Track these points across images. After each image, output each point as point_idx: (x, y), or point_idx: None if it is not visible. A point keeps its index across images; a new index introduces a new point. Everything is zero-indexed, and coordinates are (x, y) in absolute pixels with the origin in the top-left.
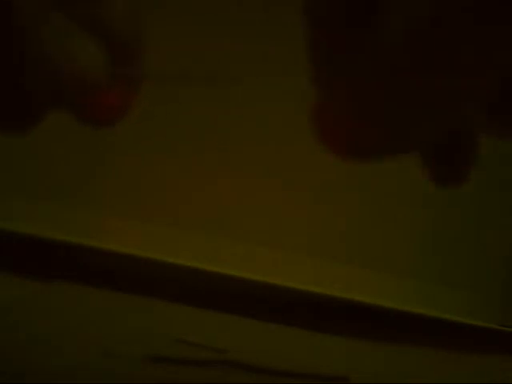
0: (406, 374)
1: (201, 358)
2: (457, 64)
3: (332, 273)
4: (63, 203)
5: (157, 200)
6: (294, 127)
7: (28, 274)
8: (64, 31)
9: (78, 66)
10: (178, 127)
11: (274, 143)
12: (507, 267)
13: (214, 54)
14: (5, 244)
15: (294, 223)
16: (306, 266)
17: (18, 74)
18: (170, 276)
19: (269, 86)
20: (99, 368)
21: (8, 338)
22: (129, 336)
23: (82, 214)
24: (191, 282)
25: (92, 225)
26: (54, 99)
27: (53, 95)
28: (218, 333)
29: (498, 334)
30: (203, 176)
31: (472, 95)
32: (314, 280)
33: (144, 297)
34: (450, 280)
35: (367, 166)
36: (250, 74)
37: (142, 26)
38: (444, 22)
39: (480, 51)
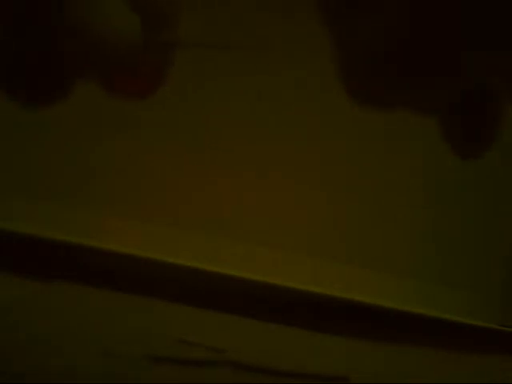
0: (406, 373)
1: (201, 357)
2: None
3: (332, 273)
4: (63, 203)
5: (157, 200)
6: (294, 127)
7: (28, 274)
8: None
9: (113, 29)
10: (177, 127)
11: (274, 143)
12: (507, 267)
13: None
14: (5, 244)
15: (294, 223)
16: (305, 266)
17: (54, 37)
18: (170, 276)
19: (270, 85)
20: (99, 368)
21: (8, 338)
22: (129, 336)
23: (81, 214)
24: (191, 281)
25: (92, 225)
26: (87, 66)
27: (87, 61)
28: (217, 333)
29: (498, 333)
30: (203, 176)
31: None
32: (313, 280)
33: (144, 297)
34: (450, 280)
35: (367, 166)
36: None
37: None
38: None
39: None
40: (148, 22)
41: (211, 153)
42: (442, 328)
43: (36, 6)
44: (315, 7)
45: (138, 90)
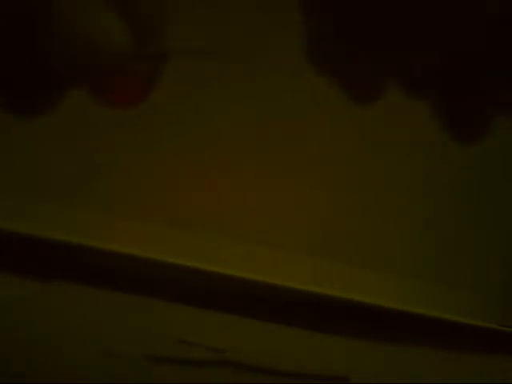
0: (406, 373)
1: (201, 357)
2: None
3: (332, 273)
4: (63, 203)
5: (157, 200)
6: (294, 127)
7: (28, 273)
8: (88, 4)
9: (102, 38)
10: (178, 127)
11: (273, 143)
12: (507, 267)
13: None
14: (5, 244)
15: (294, 223)
16: (305, 266)
17: (42, 48)
18: (170, 276)
19: (272, 86)
20: (99, 368)
21: (8, 338)
22: (129, 336)
23: (82, 214)
24: (191, 282)
25: (92, 225)
26: (76, 75)
27: (75, 70)
28: (218, 333)
29: (497, 334)
30: (203, 176)
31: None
32: (313, 280)
33: (144, 297)
34: (450, 280)
35: (367, 166)
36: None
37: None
38: None
39: None
40: (137, 32)
41: (211, 153)
42: (442, 328)
43: (23, 16)
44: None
45: (126, 99)
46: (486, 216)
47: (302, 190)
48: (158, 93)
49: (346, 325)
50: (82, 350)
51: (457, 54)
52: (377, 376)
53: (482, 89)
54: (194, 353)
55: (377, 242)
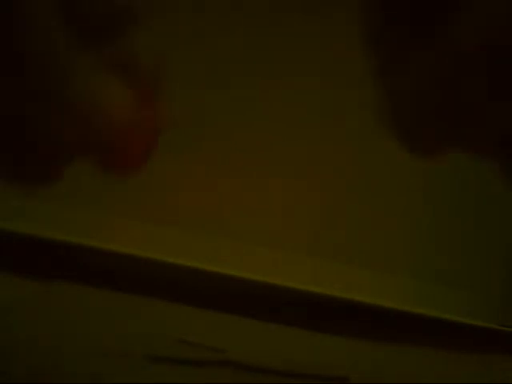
0: (406, 373)
1: (201, 358)
2: None
3: (332, 273)
4: (63, 203)
5: (157, 200)
6: (294, 127)
7: (28, 274)
8: (89, 71)
9: (104, 106)
10: (178, 127)
11: (273, 143)
12: (507, 267)
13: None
14: (5, 244)
15: (294, 223)
16: (305, 266)
17: (44, 122)
18: (170, 276)
19: (271, 87)
20: (99, 368)
21: (8, 338)
22: (129, 336)
23: (82, 214)
24: (191, 282)
25: (92, 225)
26: (79, 147)
27: (79, 142)
28: (217, 333)
29: (497, 334)
30: (203, 176)
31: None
32: (313, 280)
33: (144, 297)
34: (450, 280)
35: (367, 166)
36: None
37: (166, 63)
38: None
39: None
40: (137, 97)
41: (211, 153)
42: (442, 328)
43: (36, 93)
44: (364, 50)
45: (129, 166)
46: (486, 216)
47: (302, 190)
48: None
49: (346, 325)
50: (82, 350)
51: None
52: (377, 376)
53: None
54: (194, 353)
55: (377, 242)
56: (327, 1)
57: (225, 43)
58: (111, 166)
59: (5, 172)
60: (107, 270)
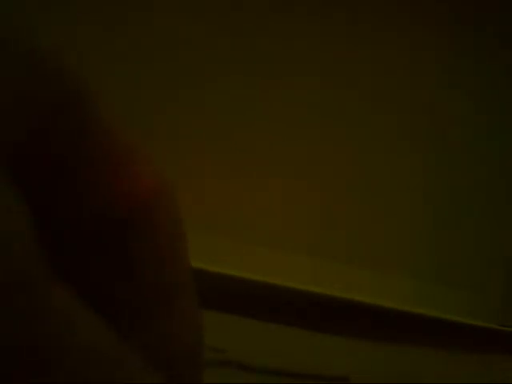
0: (406, 373)
1: None
2: None
3: (332, 273)
4: None
5: None
6: (294, 127)
7: None
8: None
9: None
10: (178, 127)
11: (273, 143)
12: (507, 267)
13: None
14: None
15: (294, 223)
16: (305, 266)
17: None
18: None
19: (272, 89)
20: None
21: None
22: None
23: None
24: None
25: None
26: None
27: None
28: (217, 333)
29: (497, 334)
30: (204, 176)
31: None
32: (313, 280)
33: None
34: (450, 280)
35: (368, 166)
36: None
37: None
38: None
39: None
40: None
41: (211, 153)
42: (442, 328)
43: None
44: None
45: None
46: (486, 216)
47: (302, 190)
48: (158, 93)
49: (346, 325)
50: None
51: None
52: (377, 376)
53: None
54: None
55: (377, 242)
56: (327, 1)
57: (225, 43)
58: None
59: None
60: None
